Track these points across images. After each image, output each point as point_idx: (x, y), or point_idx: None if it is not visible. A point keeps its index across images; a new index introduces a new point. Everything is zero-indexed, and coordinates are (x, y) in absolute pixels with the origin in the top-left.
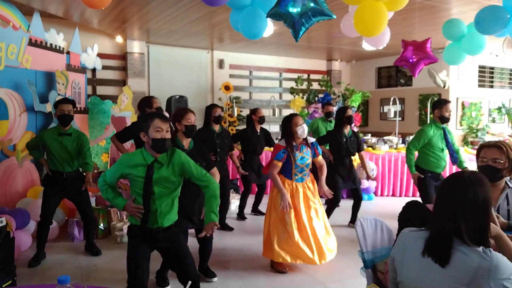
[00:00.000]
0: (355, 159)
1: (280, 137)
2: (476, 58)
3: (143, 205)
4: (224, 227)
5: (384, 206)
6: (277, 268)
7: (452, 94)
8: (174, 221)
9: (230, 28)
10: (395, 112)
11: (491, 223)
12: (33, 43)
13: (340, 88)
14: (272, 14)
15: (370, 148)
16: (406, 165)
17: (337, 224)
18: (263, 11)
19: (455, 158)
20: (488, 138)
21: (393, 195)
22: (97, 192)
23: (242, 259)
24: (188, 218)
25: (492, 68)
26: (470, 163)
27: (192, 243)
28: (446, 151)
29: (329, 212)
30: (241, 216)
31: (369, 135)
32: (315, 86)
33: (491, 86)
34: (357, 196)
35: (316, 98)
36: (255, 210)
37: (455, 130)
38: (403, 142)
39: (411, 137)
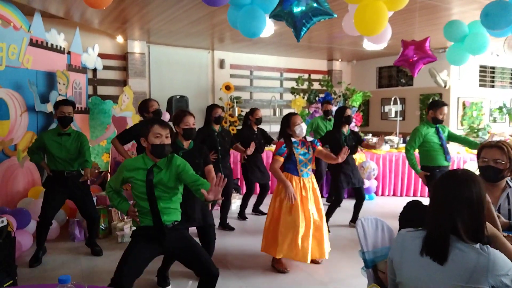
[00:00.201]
0: (356, 159)
1: (278, 137)
2: (477, 57)
3: (150, 208)
4: (225, 227)
5: (385, 206)
6: (278, 267)
7: (453, 93)
8: (177, 220)
9: (231, 28)
10: (396, 112)
11: (487, 223)
12: (34, 43)
13: (341, 88)
14: (275, 14)
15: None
16: (407, 166)
17: (337, 224)
18: (262, 10)
19: (450, 157)
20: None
21: (394, 194)
22: (98, 192)
23: (243, 259)
24: (189, 216)
25: (493, 68)
26: (471, 163)
27: None
28: (448, 146)
29: (330, 212)
30: (242, 216)
31: (370, 135)
32: (316, 86)
33: (492, 86)
34: (359, 196)
35: (317, 98)
36: (256, 210)
37: (456, 130)
38: (404, 142)
39: (409, 137)
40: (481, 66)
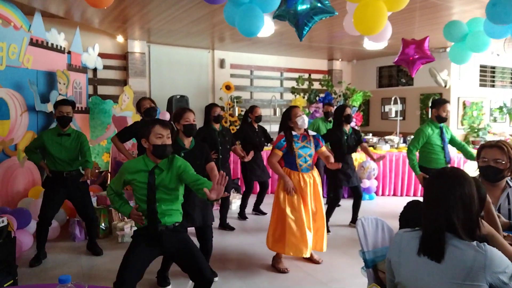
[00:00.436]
0: (356, 158)
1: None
2: (477, 57)
3: (148, 209)
4: (225, 226)
5: (385, 205)
6: (278, 267)
7: (453, 93)
8: (178, 221)
9: (231, 27)
10: (396, 112)
11: (484, 222)
12: (34, 43)
13: (341, 88)
14: (278, 14)
15: (371, 148)
16: (407, 165)
17: (337, 224)
18: (260, 9)
19: (450, 158)
20: (489, 137)
21: (394, 194)
22: (98, 192)
23: (243, 259)
24: (188, 216)
25: (494, 68)
26: (471, 163)
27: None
28: (449, 147)
29: (330, 212)
30: (242, 215)
31: (370, 134)
32: (316, 85)
33: (493, 86)
34: (357, 194)
35: (317, 98)
36: (256, 210)
37: (456, 129)
38: (404, 141)
39: (412, 137)
40: (481, 66)
